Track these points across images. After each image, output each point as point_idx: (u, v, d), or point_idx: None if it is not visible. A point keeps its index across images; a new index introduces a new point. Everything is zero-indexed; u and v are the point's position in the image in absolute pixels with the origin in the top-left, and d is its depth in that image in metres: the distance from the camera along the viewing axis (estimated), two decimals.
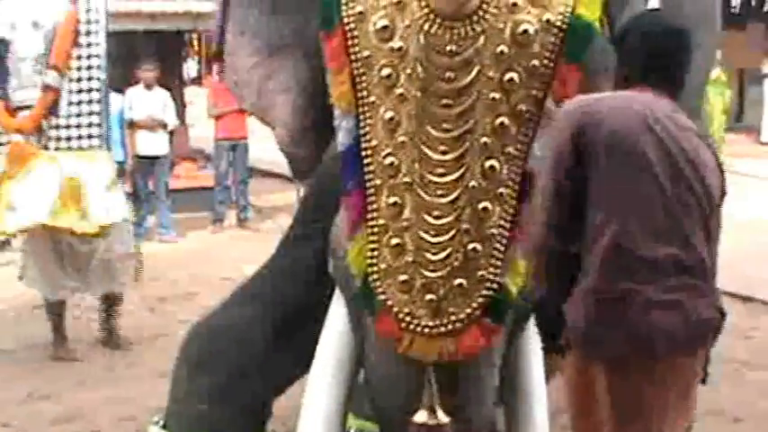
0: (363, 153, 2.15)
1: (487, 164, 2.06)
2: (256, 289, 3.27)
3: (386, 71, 2.09)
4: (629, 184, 2.47)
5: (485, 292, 2.08)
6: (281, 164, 2.78)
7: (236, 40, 2.81)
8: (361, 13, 2.14)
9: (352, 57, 2.16)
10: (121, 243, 5.18)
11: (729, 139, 11.77)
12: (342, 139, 2.23)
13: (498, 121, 2.06)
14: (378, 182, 2.13)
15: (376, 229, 2.13)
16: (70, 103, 4.86)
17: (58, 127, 4.87)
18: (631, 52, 2.59)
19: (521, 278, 2.13)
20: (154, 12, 8.14)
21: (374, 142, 2.14)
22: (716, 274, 2.59)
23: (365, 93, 2.15)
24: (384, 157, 2.11)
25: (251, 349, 3.11)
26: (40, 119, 4.86)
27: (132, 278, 5.37)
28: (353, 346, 2.40)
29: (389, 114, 2.10)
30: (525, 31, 2.05)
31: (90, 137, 4.85)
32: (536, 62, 2.07)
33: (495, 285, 2.09)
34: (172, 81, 9.27)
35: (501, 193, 2.08)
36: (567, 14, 2.10)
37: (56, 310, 5.35)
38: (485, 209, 2.06)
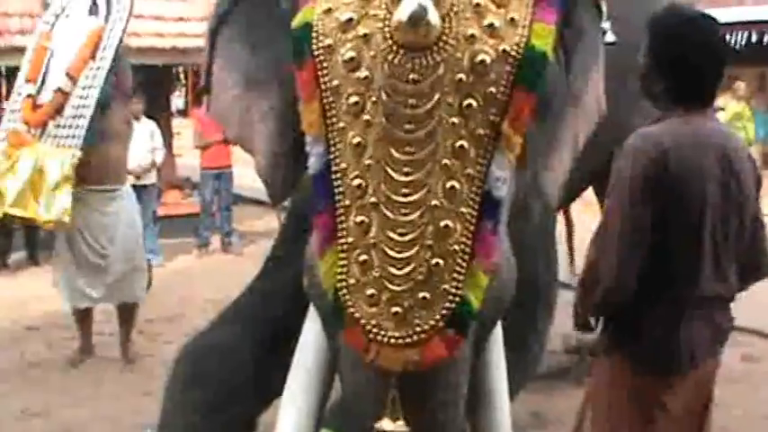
0: (333, 176, 2.19)
1: (449, 184, 2.09)
2: (243, 309, 3.27)
3: (353, 99, 2.14)
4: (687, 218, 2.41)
5: (447, 305, 2.09)
6: (264, 192, 2.77)
7: (220, 73, 2.83)
8: (330, 46, 2.19)
9: (323, 86, 2.20)
10: (134, 258, 5.30)
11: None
12: (313, 164, 2.26)
13: (458, 144, 2.10)
14: (347, 202, 2.16)
15: (345, 247, 2.15)
16: (72, 107, 4.96)
17: (58, 126, 4.98)
18: (684, 65, 2.44)
19: (481, 291, 2.14)
20: (142, 47, 8.16)
21: (343, 165, 2.17)
22: None
23: (334, 120, 2.19)
24: (352, 180, 2.14)
25: (240, 367, 3.10)
26: (47, 117, 5.00)
27: (144, 291, 5.48)
28: (326, 360, 2.40)
29: (357, 139, 2.13)
30: (482, 61, 2.09)
31: (73, 137, 4.91)
32: (493, 89, 2.12)
33: (457, 298, 2.10)
34: (160, 113, 9.27)
35: (462, 212, 2.11)
36: (522, 45, 2.15)
37: (81, 320, 5.43)
38: (446, 226, 2.09)
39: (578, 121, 2.77)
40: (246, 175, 7.15)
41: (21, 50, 8.23)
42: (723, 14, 11.47)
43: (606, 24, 2.79)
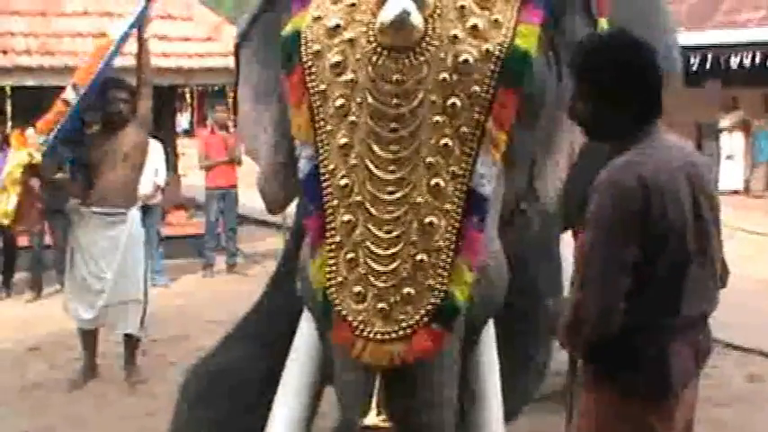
0: (321, 177, 2.22)
1: (433, 181, 2.13)
2: (250, 328, 3.27)
3: (339, 101, 2.19)
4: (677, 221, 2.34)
5: (432, 300, 2.12)
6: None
7: (240, 90, 2.94)
8: (318, 51, 2.25)
9: (310, 91, 2.25)
10: (131, 287, 5.13)
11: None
12: (302, 167, 2.30)
13: (443, 142, 2.13)
14: (334, 202, 2.19)
15: (333, 246, 2.19)
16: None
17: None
18: (636, 88, 2.31)
19: (466, 286, 2.16)
20: None
21: (331, 166, 2.21)
22: None
23: (322, 123, 2.24)
24: (339, 179, 2.18)
25: (247, 386, 3.09)
26: (49, 123, 4.91)
27: (138, 324, 5.24)
28: (319, 362, 2.43)
29: (343, 140, 2.18)
30: (466, 61, 2.14)
31: (46, 141, 4.91)
32: (477, 88, 2.16)
33: (442, 294, 2.12)
34: (165, 133, 9.21)
35: (446, 209, 2.14)
36: (506, 45, 2.19)
37: (86, 340, 5.33)
38: (431, 223, 2.12)
39: (573, 127, 2.71)
40: (251, 196, 7.12)
41: (26, 70, 8.32)
42: (729, 36, 11.59)
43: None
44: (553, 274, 3.58)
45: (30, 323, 6.75)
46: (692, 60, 11.05)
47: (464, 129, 2.15)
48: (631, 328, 2.34)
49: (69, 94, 4.91)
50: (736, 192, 12.18)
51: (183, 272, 8.82)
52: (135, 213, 5.26)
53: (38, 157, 4.83)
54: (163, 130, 9.17)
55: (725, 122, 12.39)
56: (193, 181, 10.64)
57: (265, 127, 2.76)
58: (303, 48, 2.27)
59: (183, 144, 12.38)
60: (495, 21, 2.21)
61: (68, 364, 5.66)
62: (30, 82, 8.12)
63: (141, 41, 5.10)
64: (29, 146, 5.02)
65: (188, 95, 9.94)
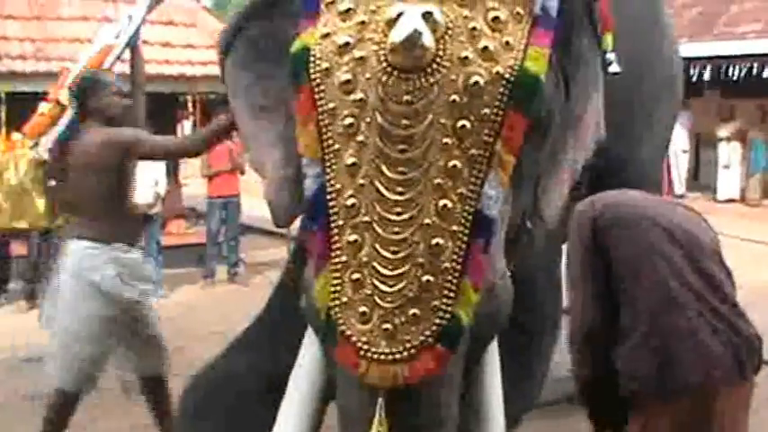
0: (328, 196, 2.20)
1: (441, 203, 2.11)
2: (252, 340, 3.23)
3: (348, 120, 2.16)
4: (647, 243, 2.55)
5: (437, 321, 2.10)
6: (271, 221, 2.76)
7: (232, 101, 2.84)
8: (326, 69, 2.22)
9: (319, 109, 2.23)
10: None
11: (688, 197, 11.88)
12: (309, 185, 2.28)
13: (451, 163, 2.12)
14: (340, 222, 2.17)
15: (338, 266, 2.16)
16: (66, 117, 4.75)
17: (48, 135, 4.82)
18: None
19: (471, 308, 2.15)
20: (149, 74, 7.99)
21: (337, 186, 2.19)
22: None
23: (330, 142, 2.21)
24: (346, 199, 2.16)
25: (249, 398, 3.05)
26: (40, 127, 4.80)
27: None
28: (323, 379, 2.40)
29: (351, 160, 2.16)
30: (476, 83, 2.12)
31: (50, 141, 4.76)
32: (486, 110, 2.14)
33: (447, 315, 2.11)
34: None
35: (454, 230, 2.12)
36: (516, 67, 2.17)
37: None
38: (437, 244, 2.10)
39: (578, 145, 2.75)
40: (254, 205, 7.02)
41: (21, 75, 8.19)
42: (724, 48, 11.60)
43: (611, 55, 2.78)
44: (555, 290, 3.60)
45: (24, 332, 6.57)
46: (692, 71, 11.08)
47: (473, 151, 2.14)
48: None
49: (63, 98, 4.74)
50: (732, 200, 12.28)
51: (183, 281, 8.73)
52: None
53: (44, 155, 4.67)
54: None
55: (722, 132, 12.48)
56: (194, 190, 10.56)
57: (271, 140, 2.69)
58: (312, 65, 2.24)
59: None
60: (507, 43, 2.20)
61: None
62: (24, 87, 7.96)
63: (135, 46, 4.99)
64: (14, 149, 4.92)
65: (190, 103, 9.81)
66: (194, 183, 10.42)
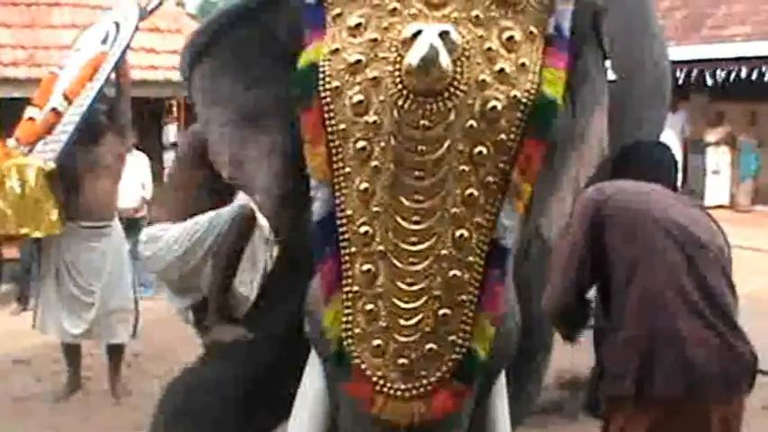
0: (338, 222, 2.13)
1: (458, 233, 2.06)
2: (231, 346, 3.18)
3: (361, 144, 2.09)
4: (648, 243, 2.47)
5: (454, 356, 2.06)
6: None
7: (206, 110, 2.68)
8: (337, 88, 2.13)
9: (329, 130, 2.14)
10: (118, 298, 5.07)
11: (684, 196, 11.80)
12: (317, 209, 2.20)
13: (468, 192, 2.06)
14: (352, 250, 2.11)
15: (350, 296, 2.11)
16: (62, 124, 4.82)
17: (45, 143, 4.86)
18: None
19: (488, 342, 2.11)
20: (135, 80, 8.08)
21: (349, 212, 2.12)
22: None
23: (341, 164, 2.14)
24: (359, 226, 2.10)
25: (226, 405, 3.04)
26: (36, 135, 4.87)
27: (130, 333, 5.23)
28: (328, 406, 2.34)
29: (364, 185, 2.09)
30: (494, 108, 2.06)
31: (53, 151, 4.78)
32: (503, 136, 2.08)
33: (464, 350, 2.07)
34: (152, 145, 9.17)
35: (470, 261, 2.08)
36: (533, 92, 2.11)
37: (70, 354, 5.26)
38: (455, 276, 2.05)
39: (580, 162, 2.72)
40: None
41: (13, 82, 8.27)
42: (714, 51, 11.63)
43: (607, 63, 2.77)
44: None
45: (15, 335, 6.59)
46: (678, 74, 11.09)
47: (489, 178, 2.09)
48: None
49: (59, 104, 4.81)
50: (722, 206, 12.21)
51: None
52: (117, 224, 5.23)
53: (52, 165, 4.69)
54: (150, 142, 9.16)
55: (711, 137, 12.41)
56: None
57: (265, 154, 2.57)
58: (322, 82, 2.15)
59: (169, 157, 12.33)
60: (522, 64, 2.13)
61: (54, 376, 5.59)
62: (17, 93, 8.06)
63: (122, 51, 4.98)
64: (12, 155, 4.85)
65: (175, 108, 9.89)
66: None
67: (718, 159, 12.43)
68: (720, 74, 11.66)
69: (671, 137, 10.11)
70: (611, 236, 2.49)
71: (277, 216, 2.63)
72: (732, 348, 2.44)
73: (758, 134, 12.24)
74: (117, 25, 4.98)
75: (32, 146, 4.89)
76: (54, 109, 4.84)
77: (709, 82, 11.75)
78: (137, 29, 4.93)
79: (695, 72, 11.68)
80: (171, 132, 10.32)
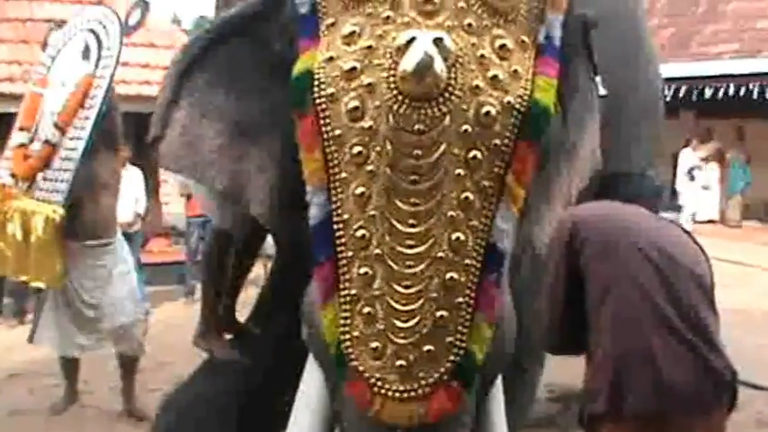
0: (335, 227, 2.14)
1: (454, 236, 2.07)
2: (225, 360, 3.19)
3: (357, 149, 2.10)
4: (621, 263, 2.52)
5: (452, 358, 2.07)
6: None
7: (195, 123, 2.57)
8: (332, 94, 2.15)
9: (325, 136, 2.16)
10: (125, 315, 4.99)
11: (666, 217, 11.84)
12: (314, 214, 2.20)
13: (463, 195, 2.08)
14: (349, 254, 2.12)
15: (348, 299, 2.11)
16: (60, 158, 4.65)
17: (45, 179, 4.68)
18: None
19: (485, 343, 2.12)
20: (130, 94, 8.14)
21: (345, 216, 2.13)
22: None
23: (337, 170, 2.15)
24: (355, 230, 2.10)
25: (223, 417, 3.02)
26: (34, 170, 4.70)
27: (140, 345, 5.16)
28: (327, 412, 2.33)
29: (360, 190, 2.10)
30: (488, 113, 2.08)
31: (57, 191, 4.61)
32: (498, 141, 2.10)
33: (461, 351, 2.08)
34: (146, 161, 9.18)
35: (467, 264, 2.09)
36: (526, 98, 2.13)
37: (67, 368, 5.23)
38: (452, 278, 2.06)
39: (572, 173, 2.73)
40: None
41: (8, 97, 8.29)
42: (701, 68, 11.72)
43: (597, 78, 2.77)
44: (540, 314, 3.51)
45: (11, 349, 6.63)
46: (667, 92, 11.17)
47: (484, 182, 2.11)
48: None
49: (52, 136, 4.63)
50: (712, 221, 12.28)
51: (165, 299, 8.71)
52: (120, 238, 5.18)
53: (61, 212, 4.51)
54: (145, 157, 9.15)
55: (700, 153, 12.49)
56: (175, 208, 10.59)
57: (261, 166, 2.53)
58: (317, 89, 2.17)
59: (164, 171, 12.33)
60: (515, 71, 2.16)
61: (49, 390, 5.58)
62: (13, 109, 8.08)
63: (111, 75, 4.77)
64: (13, 197, 4.66)
65: None
66: (175, 201, 10.47)
67: (707, 175, 12.52)
68: (708, 91, 11.78)
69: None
70: (586, 258, 2.54)
71: (278, 226, 2.61)
72: (707, 363, 2.44)
73: (746, 150, 12.31)
74: (97, 37, 4.81)
75: (31, 182, 4.71)
76: (47, 141, 4.66)
77: (697, 99, 11.84)
78: (121, 46, 4.74)
79: (683, 89, 11.80)
80: None
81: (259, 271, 7.89)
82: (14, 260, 4.62)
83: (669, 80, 11.11)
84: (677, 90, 11.73)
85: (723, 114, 12.20)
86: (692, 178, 12.02)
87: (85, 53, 4.82)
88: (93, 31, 4.84)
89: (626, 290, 2.47)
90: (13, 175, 4.76)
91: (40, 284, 4.73)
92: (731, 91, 11.52)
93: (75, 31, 5.03)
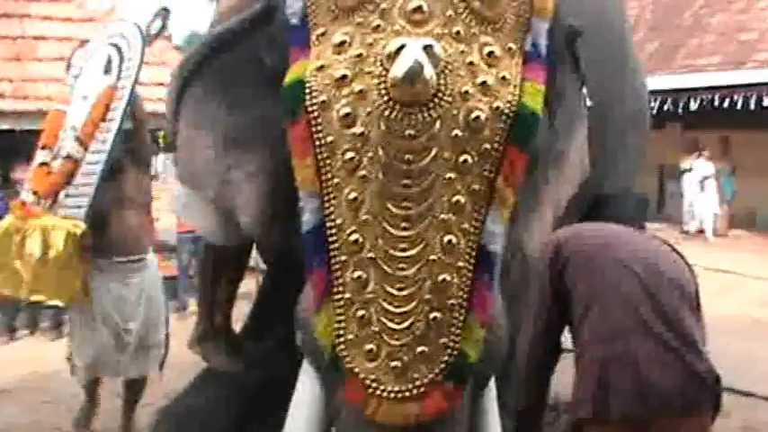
0: (328, 232, 2.16)
1: (446, 239, 2.09)
2: (220, 373, 3.20)
3: (349, 155, 2.13)
4: (604, 277, 2.57)
5: (446, 358, 2.09)
6: None
7: (191, 133, 2.66)
8: (324, 102, 2.17)
9: (317, 143, 2.18)
10: (154, 333, 4.79)
11: (653, 229, 11.90)
12: (306, 220, 2.23)
13: (454, 199, 2.10)
14: (343, 258, 2.14)
15: (342, 303, 2.13)
16: (83, 174, 4.46)
17: (68, 195, 4.50)
18: None
19: (478, 344, 2.14)
20: None
21: (338, 221, 2.15)
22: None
23: (329, 175, 2.18)
24: (348, 235, 2.13)
25: (218, 429, 3.05)
26: (56, 187, 4.51)
27: (157, 366, 4.93)
28: (323, 415, 2.34)
29: (353, 195, 2.12)
30: (477, 118, 2.11)
31: (79, 207, 4.43)
32: (487, 145, 2.14)
33: (455, 351, 2.10)
34: None
35: (459, 266, 2.11)
36: (515, 103, 2.17)
37: (92, 389, 4.94)
38: (444, 280, 2.08)
39: (561, 180, 2.76)
40: None
41: (0, 114, 8.30)
42: (687, 81, 11.77)
43: (583, 89, 2.80)
44: (527, 319, 3.54)
45: (1, 365, 6.54)
46: (653, 104, 11.23)
47: (475, 186, 2.14)
48: None
49: (75, 151, 4.46)
50: (700, 231, 12.32)
51: None
52: (152, 257, 4.93)
53: (82, 226, 4.32)
54: None
55: (686, 164, 12.52)
56: (167, 224, 10.57)
57: (250, 176, 2.57)
58: (308, 97, 2.19)
59: (155, 187, 12.27)
60: (503, 78, 2.19)
61: (39, 406, 5.52)
62: (4, 126, 8.14)
63: (132, 85, 4.59)
64: (34, 214, 4.45)
65: (161, 139, 9.91)
66: (166, 217, 10.45)
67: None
68: (693, 103, 11.83)
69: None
70: (570, 275, 2.59)
71: (266, 236, 2.61)
72: (690, 367, 2.47)
73: (732, 160, 12.36)
74: (119, 50, 4.69)
75: (54, 199, 4.53)
76: (69, 156, 4.49)
77: (683, 111, 11.88)
78: (143, 55, 4.60)
79: (669, 101, 11.84)
80: (159, 163, 10.31)
81: (251, 285, 7.93)
82: (31, 280, 4.42)
83: (655, 92, 11.23)
84: (663, 102, 11.78)
85: (709, 126, 12.23)
86: (703, 188, 12.07)
87: (107, 67, 4.68)
88: (115, 45, 4.73)
89: (610, 300, 2.51)
90: (35, 193, 4.57)
91: (57, 302, 4.59)
92: (716, 102, 11.55)
93: (97, 47, 4.92)
